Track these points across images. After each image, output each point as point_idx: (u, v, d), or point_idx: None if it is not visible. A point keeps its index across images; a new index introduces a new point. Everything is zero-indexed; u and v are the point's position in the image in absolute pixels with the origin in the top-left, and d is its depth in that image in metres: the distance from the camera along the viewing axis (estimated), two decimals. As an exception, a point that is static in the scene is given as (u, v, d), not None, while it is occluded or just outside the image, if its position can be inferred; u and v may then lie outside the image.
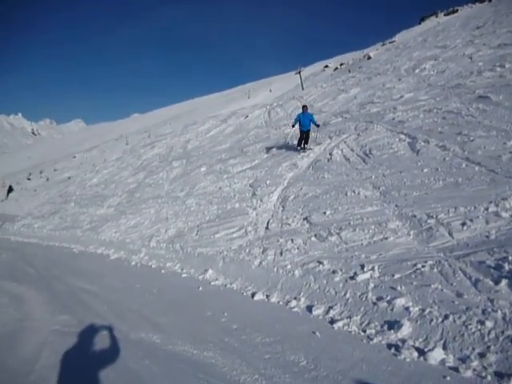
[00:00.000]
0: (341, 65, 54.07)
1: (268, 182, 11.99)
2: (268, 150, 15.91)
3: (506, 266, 4.82)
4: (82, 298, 7.62)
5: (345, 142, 12.39)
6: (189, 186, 15.58)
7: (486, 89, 12.61)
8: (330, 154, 11.97)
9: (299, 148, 13.92)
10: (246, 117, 28.37)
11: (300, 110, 14.46)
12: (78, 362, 4.87)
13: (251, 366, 4.23)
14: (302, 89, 39.07)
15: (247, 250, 8.21)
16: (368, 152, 10.80)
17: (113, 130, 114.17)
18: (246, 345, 4.79)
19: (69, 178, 40.68)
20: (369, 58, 41.24)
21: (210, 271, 8.04)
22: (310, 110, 14.70)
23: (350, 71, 36.15)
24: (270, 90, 62.23)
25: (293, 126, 14.69)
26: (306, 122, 13.64)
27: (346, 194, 8.84)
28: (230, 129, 26.62)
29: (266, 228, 9.02)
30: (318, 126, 13.81)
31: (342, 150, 11.88)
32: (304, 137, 13.75)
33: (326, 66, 62.21)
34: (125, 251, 11.47)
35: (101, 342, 5.35)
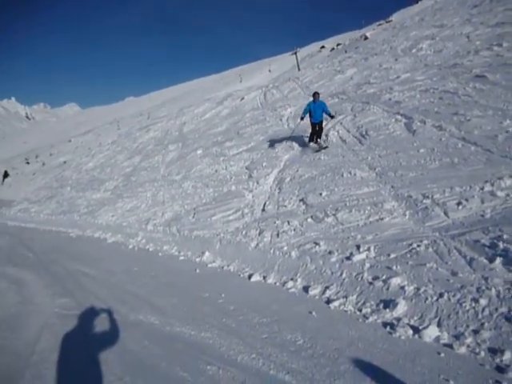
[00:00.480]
0: (337, 45, 53.42)
1: (264, 164, 11.97)
2: (264, 131, 15.83)
3: (501, 245, 4.87)
4: (81, 281, 7.67)
5: (341, 124, 12.33)
6: (185, 169, 15.55)
7: (483, 68, 12.51)
8: (326, 135, 11.93)
9: (311, 144, 11.82)
10: (242, 99, 28.14)
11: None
12: (78, 343, 4.92)
13: (248, 346, 4.29)
14: (299, 70, 38.71)
15: (244, 232, 8.25)
16: (364, 133, 10.76)
17: (108, 114, 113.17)
18: (244, 325, 4.85)
19: (64, 162, 40.44)
20: (365, 38, 40.71)
21: (207, 253, 8.08)
22: (306, 91, 14.29)
23: (346, 52, 35.75)
24: (270, 71, 61.67)
25: (302, 117, 11.78)
26: (317, 113, 11.39)
27: (342, 176, 8.84)
28: (225, 111, 26.42)
29: (263, 210, 9.04)
30: (332, 116, 11.47)
31: (338, 132, 11.83)
32: (317, 130, 11.60)
33: (323, 47, 61.50)
34: (122, 235, 11.50)
35: (100, 324, 5.41)
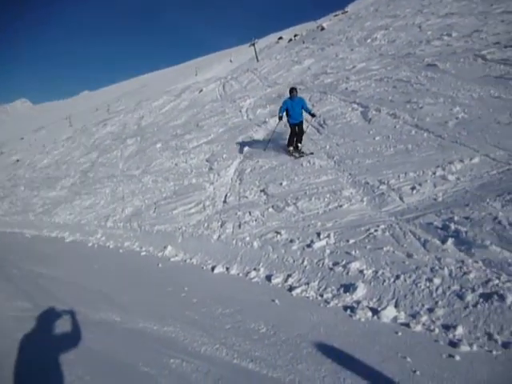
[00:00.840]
0: (295, 36, 53.63)
1: (224, 155, 11.92)
2: (224, 123, 15.76)
3: (452, 226, 5.08)
4: (39, 282, 7.39)
5: (300, 114, 12.43)
6: (144, 164, 15.27)
7: (434, 57, 12.95)
8: (285, 125, 12.00)
9: (291, 149, 9.95)
10: (201, 91, 27.86)
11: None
12: (36, 346, 4.75)
13: (212, 337, 4.29)
14: (257, 61, 38.65)
15: (206, 225, 8.21)
16: (322, 122, 10.92)
17: (62, 109, 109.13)
18: (207, 317, 4.84)
19: (17, 160, 38.70)
20: (322, 28, 41.07)
21: (169, 248, 7.99)
22: (264, 82, 14.13)
23: (303, 42, 35.95)
24: (231, 61, 61.24)
25: (280, 117, 10.08)
26: (296, 112, 9.76)
27: (302, 165, 8.96)
28: (184, 103, 26.09)
29: (224, 202, 9.03)
30: (313, 115, 9.98)
31: (297, 122, 11.93)
32: (297, 132, 9.92)
33: (280, 38, 61.60)
34: (81, 233, 11.17)
35: (59, 325, 5.24)
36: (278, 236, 6.67)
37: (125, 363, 4.05)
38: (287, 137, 10.25)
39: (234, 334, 4.29)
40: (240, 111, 16.78)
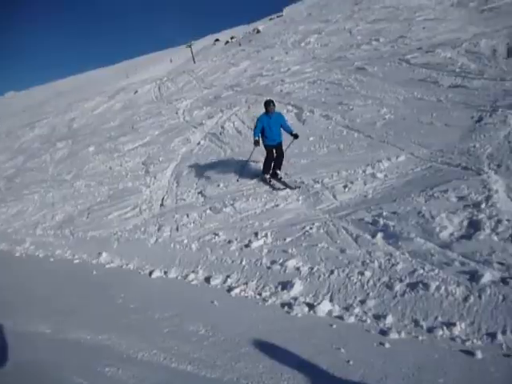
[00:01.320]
0: (231, 38, 53.97)
1: (161, 158, 11.71)
2: (160, 125, 15.47)
3: (381, 221, 5.36)
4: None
5: (236, 115, 12.52)
6: (76, 168, 14.59)
7: (363, 61, 13.58)
8: (222, 127, 12.02)
9: (268, 177, 7.94)
10: (136, 92, 27.16)
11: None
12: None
13: (149, 342, 4.18)
14: (194, 62, 38.38)
15: (142, 229, 8.01)
16: (259, 124, 11.05)
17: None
18: (144, 322, 4.72)
19: None
20: (258, 31, 41.68)
21: (104, 254, 7.68)
22: (201, 84, 13.98)
23: (240, 45, 36.26)
24: (171, 61, 60.22)
25: (256, 141, 7.75)
26: (274, 131, 7.78)
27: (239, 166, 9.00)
28: (118, 105, 25.29)
29: (161, 205, 8.87)
30: (296, 136, 7.85)
31: (233, 123, 11.99)
32: (275, 156, 7.96)
33: (217, 40, 61.78)
34: (7, 242, 10.44)
35: (-18, 341, 4.87)
36: (216, 237, 6.66)
37: (56, 376, 3.84)
38: (262, 160, 8.31)
39: (172, 338, 4.22)
40: (176, 113, 16.55)
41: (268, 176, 7.93)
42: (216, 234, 6.73)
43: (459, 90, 9.09)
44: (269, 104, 7.71)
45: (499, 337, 3.35)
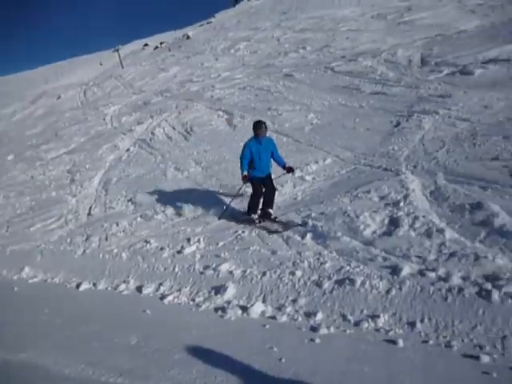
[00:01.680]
0: (161, 44, 53.09)
1: (88, 166, 11.23)
2: (86, 132, 14.86)
3: (310, 222, 5.55)
4: None
5: (166, 121, 12.37)
6: (-7, 178, 13.58)
7: (291, 68, 14.03)
8: (152, 133, 11.81)
9: (256, 218, 6.28)
10: (59, 97, 25.89)
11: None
12: None
13: (76, 357, 3.98)
14: (122, 67, 37.30)
15: (68, 240, 7.61)
16: (189, 129, 11.00)
17: None
18: (71, 337, 4.48)
19: None
20: (188, 37, 41.46)
21: (27, 269, 7.19)
22: (129, 89, 13.62)
23: (170, 50, 35.85)
24: (101, 64, 57.83)
25: (244, 176, 6.15)
26: (264, 161, 6.28)
27: (170, 172, 8.89)
28: (40, 111, 23.97)
29: (89, 214, 8.49)
30: (291, 170, 6.32)
31: (163, 129, 11.83)
32: (264, 191, 6.31)
33: (146, 45, 60.42)
34: None
35: None
36: (148, 245, 6.50)
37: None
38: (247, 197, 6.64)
39: (101, 351, 4.05)
40: (104, 119, 15.99)
41: (255, 216, 6.29)
42: (147, 242, 6.57)
43: (379, 97, 9.68)
44: (260, 126, 6.13)
45: (418, 325, 3.59)
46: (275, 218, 6.15)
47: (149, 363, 3.70)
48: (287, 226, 5.83)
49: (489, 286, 3.74)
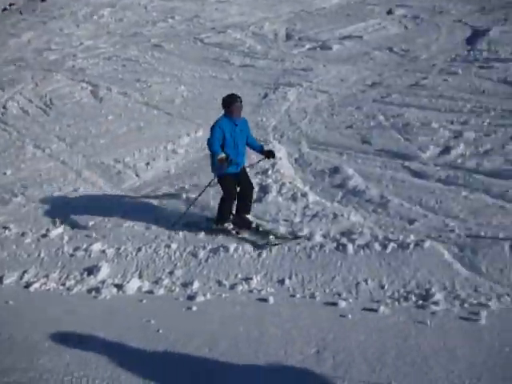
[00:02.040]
0: (10, 5, 46.82)
1: None
2: None
3: (184, 195, 5.57)
4: None
5: (21, 94, 11.06)
6: None
7: (160, 38, 13.57)
8: (4, 107, 10.47)
9: (232, 228, 4.89)
10: None
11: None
12: None
13: None
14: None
15: None
16: (49, 102, 10.03)
17: None
18: None
19: None
20: (43, 0, 37.24)
21: None
22: None
23: (21, 13, 31.80)
24: None
25: (222, 155, 4.43)
26: (241, 148, 4.75)
27: (28, 150, 8.06)
28: None
29: None
30: (271, 154, 4.84)
31: (18, 102, 10.57)
32: (240, 191, 4.85)
33: (-9, 6, 52.79)
34: None
35: None
36: (7, 231, 5.86)
37: None
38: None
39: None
40: None
41: (230, 227, 4.90)
42: (6, 228, 5.90)
43: (248, 69, 9.94)
44: (235, 100, 4.64)
45: (287, 282, 3.92)
46: (258, 226, 4.81)
47: (13, 357, 3.42)
48: (284, 236, 4.55)
49: (345, 240, 4.22)
